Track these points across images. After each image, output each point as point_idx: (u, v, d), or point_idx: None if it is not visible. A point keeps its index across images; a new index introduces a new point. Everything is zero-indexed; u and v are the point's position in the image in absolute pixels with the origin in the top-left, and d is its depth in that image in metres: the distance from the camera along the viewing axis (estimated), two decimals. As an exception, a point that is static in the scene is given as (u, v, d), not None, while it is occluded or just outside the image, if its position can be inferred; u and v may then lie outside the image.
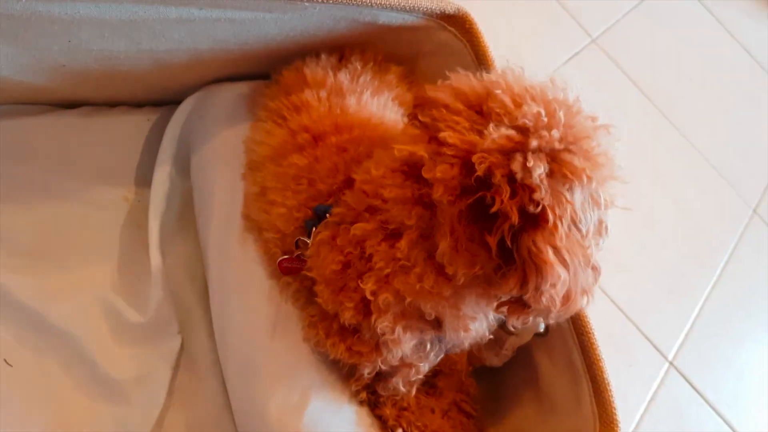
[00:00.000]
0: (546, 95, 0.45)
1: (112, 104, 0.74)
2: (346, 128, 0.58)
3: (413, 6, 0.65)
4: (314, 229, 0.54)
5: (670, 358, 0.99)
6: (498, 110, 0.43)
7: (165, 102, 0.76)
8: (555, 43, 1.17)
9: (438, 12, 0.67)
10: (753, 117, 1.35)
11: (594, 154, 0.44)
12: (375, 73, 0.67)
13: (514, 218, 0.41)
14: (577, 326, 0.60)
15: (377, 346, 0.55)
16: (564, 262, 0.42)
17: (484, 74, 0.47)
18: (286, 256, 0.58)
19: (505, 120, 0.43)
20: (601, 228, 0.46)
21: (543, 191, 0.41)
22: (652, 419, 0.93)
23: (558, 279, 0.41)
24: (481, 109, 0.44)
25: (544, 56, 1.14)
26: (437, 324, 0.53)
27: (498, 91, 0.44)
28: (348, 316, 0.52)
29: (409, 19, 0.67)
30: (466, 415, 0.65)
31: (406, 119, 0.62)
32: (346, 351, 0.56)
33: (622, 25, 1.28)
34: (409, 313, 0.51)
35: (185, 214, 0.72)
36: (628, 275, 1.04)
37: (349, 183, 0.54)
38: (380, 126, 0.59)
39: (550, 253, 0.41)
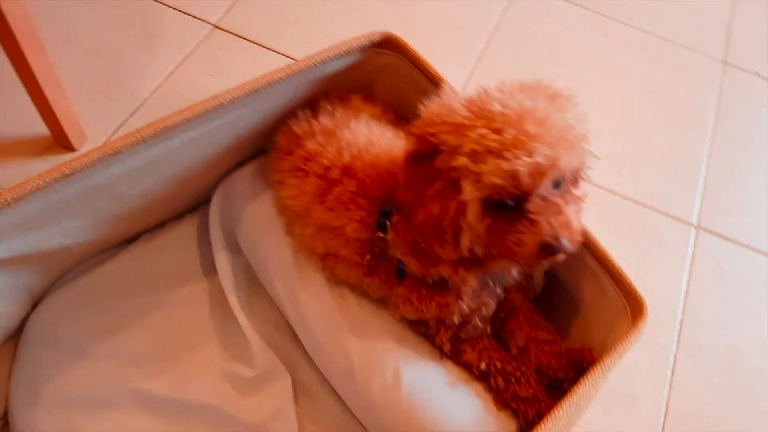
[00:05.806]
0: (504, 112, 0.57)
1: (160, 224, 0.89)
2: (360, 154, 0.72)
3: (347, 49, 0.78)
4: (387, 222, 0.68)
5: (694, 222, 1.09)
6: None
7: (198, 205, 0.91)
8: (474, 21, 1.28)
9: (368, 43, 0.80)
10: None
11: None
12: (344, 107, 0.81)
13: None
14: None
15: (458, 295, 0.69)
16: None
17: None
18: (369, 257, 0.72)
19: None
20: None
21: None
22: (697, 283, 1.03)
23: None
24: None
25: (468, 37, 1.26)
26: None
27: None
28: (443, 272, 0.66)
29: (350, 60, 0.80)
30: (547, 342, 0.75)
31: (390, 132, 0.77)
32: (436, 307, 0.70)
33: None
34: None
35: (252, 281, 0.86)
36: (627, 167, 1.14)
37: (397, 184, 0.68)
38: (376, 144, 0.73)
39: None
